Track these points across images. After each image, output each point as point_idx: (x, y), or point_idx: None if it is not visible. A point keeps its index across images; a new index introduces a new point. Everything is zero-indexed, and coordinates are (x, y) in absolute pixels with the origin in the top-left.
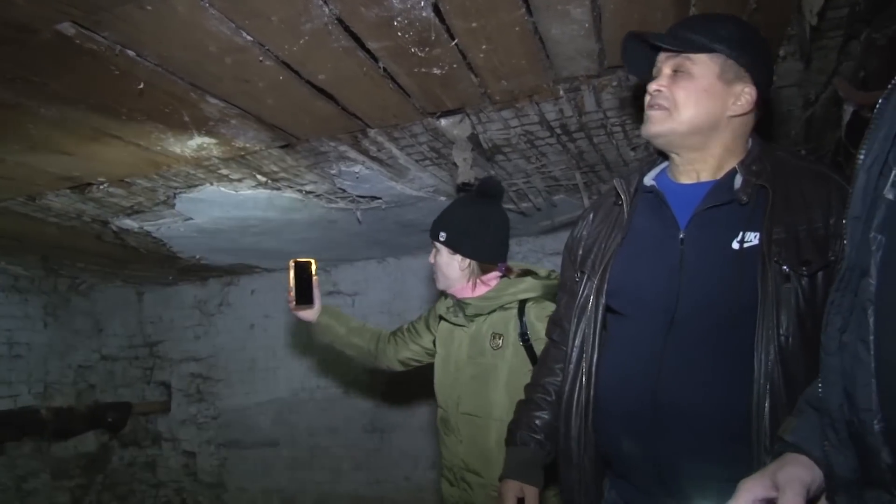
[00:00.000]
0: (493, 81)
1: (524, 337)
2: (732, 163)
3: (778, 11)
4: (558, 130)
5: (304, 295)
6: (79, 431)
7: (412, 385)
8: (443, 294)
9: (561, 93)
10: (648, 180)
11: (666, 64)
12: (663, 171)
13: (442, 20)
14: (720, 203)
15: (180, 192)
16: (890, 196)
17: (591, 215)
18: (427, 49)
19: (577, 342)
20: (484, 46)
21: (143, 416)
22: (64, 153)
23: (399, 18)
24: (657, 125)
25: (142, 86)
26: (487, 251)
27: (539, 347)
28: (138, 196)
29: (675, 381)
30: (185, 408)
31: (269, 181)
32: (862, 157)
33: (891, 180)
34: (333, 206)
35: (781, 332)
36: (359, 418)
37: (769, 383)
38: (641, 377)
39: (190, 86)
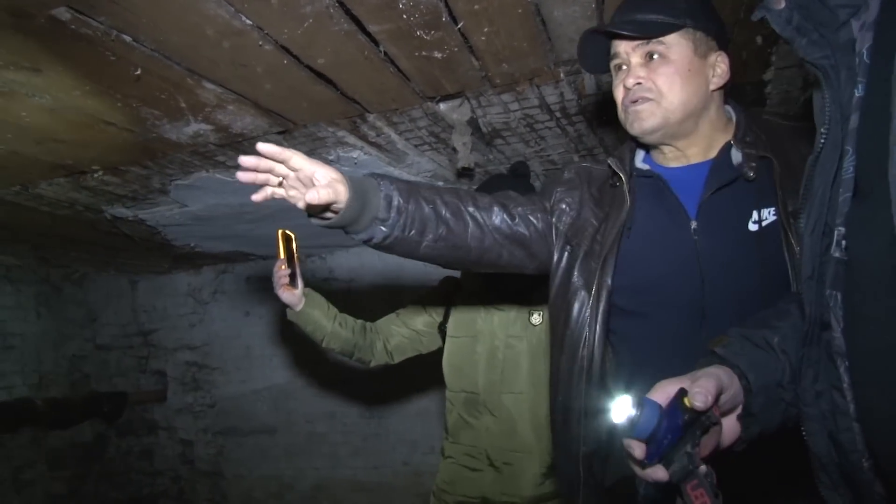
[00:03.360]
0: (494, 64)
1: None
2: (721, 138)
3: None
4: (558, 114)
5: (291, 275)
6: (74, 422)
7: (409, 369)
8: (466, 273)
9: (562, 76)
10: (640, 163)
11: (633, 53)
12: (647, 154)
13: (445, 2)
14: (726, 183)
15: (175, 180)
16: (837, 255)
17: (584, 184)
18: (431, 32)
19: (572, 333)
20: (486, 29)
21: (138, 405)
22: (57, 141)
23: (404, 1)
24: (649, 119)
25: (139, 71)
26: None
27: None
28: (133, 184)
29: None
30: (181, 396)
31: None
32: (802, 222)
33: (834, 241)
34: None
35: None
36: (356, 404)
37: None
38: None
39: (186, 71)
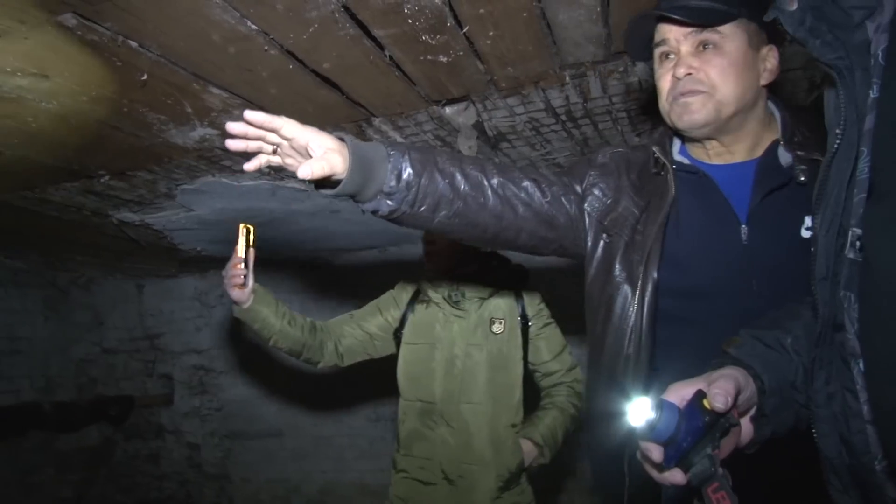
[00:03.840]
0: (500, 68)
1: (524, 318)
2: (767, 136)
3: None
4: (563, 117)
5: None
6: (81, 425)
7: None
8: (426, 278)
9: (567, 79)
10: (678, 155)
11: (685, 42)
12: (683, 145)
13: (450, 6)
14: (777, 186)
15: (182, 185)
16: (851, 256)
17: (621, 171)
18: (436, 36)
19: (615, 330)
20: (491, 33)
21: (145, 408)
22: (64, 146)
23: (409, 5)
24: (699, 112)
25: (145, 77)
26: None
27: (535, 328)
28: (139, 189)
29: None
30: (188, 400)
31: (273, 172)
32: (818, 222)
33: (849, 241)
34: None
35: None
36: (362, 407)
37: None
38: None
39: (192, 76)
